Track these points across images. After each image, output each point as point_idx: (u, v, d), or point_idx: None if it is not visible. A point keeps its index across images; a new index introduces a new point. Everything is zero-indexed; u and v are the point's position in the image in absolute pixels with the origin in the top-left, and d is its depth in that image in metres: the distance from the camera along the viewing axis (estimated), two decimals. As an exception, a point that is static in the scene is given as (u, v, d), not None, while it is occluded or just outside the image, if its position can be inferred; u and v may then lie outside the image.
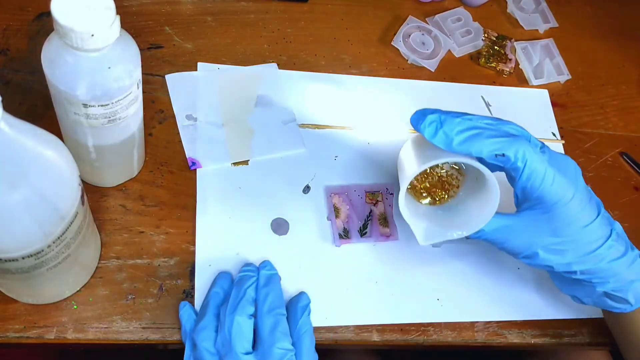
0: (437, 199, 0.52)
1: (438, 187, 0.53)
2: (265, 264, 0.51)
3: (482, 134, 0.42)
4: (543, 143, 0.45)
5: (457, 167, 0.53)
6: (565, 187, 0.43)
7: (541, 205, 0.45)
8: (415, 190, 0.54)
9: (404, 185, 0.47)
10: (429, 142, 0.44)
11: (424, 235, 0.49)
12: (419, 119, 0.44)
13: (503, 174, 0.48)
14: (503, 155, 0.42)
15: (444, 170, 0.53)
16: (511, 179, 0.46)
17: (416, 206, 0.53)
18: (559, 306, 0.57)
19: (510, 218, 0.47)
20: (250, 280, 0.48)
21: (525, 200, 0.46)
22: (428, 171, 0.53)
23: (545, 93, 0.72)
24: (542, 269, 0.49)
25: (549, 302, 0.57)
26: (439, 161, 0.45)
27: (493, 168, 0.46)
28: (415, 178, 0.52)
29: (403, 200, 0.48)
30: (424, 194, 0.53)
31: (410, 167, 0.47)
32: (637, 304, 0.47)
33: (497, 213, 0.47)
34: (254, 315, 0.46)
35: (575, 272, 0.47)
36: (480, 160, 0.45)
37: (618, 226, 0.48)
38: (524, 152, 0.42)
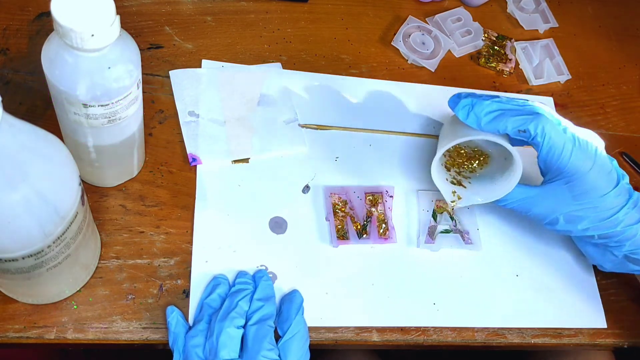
0: (465, 170, 0.58)
1: (465, 160, 0.59)
2: (262, 273, 0.51)
3: (507, 113, 0.48)
4: (565, 120, 0.50)
5: (479, 149, 0.59)
6: (583, 159, 0.48)
7: (561, 175, 0.50)
8: (449, 160, 0.59)
9: (438, 154, 0.53)
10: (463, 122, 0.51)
11: (450, 197, 0.56)
12: (454, 102, 0.52)
13: (532, 155, 0.54)
14: (525, 131, 0.48)
15: (472, 148, 0.59)
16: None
17: (444, 174, 0.57)
18: (557, 315, 0.56)
19: (534, 189, 0.52)
20: (244, 293, 0.48)
21: (547, 171, 0.52)
22: (457, 149, 0.59)
23: (550, 101, 0.71)
24: (563, 234, 0.55)
25: (547, 310, 0.56)
26: (468, 138, 0.51)
27: (519, 144, 0.53)
28: (448, 151, 0.59)
29: (436, 164, 0.54)
30: (453, 167, 0.59)
31: (445, 141, 0.54)
32: None
33: (522, 185, 0.53)
34: (244, 326, 0.47)
35: (593, 237, 0.52)
36: (509, 139, 0.51)
37: (638, 196, 0.51)
38: (543, 128, 0.47)
